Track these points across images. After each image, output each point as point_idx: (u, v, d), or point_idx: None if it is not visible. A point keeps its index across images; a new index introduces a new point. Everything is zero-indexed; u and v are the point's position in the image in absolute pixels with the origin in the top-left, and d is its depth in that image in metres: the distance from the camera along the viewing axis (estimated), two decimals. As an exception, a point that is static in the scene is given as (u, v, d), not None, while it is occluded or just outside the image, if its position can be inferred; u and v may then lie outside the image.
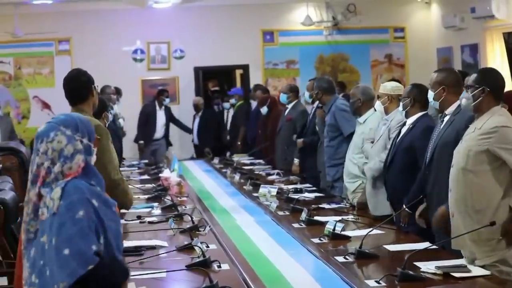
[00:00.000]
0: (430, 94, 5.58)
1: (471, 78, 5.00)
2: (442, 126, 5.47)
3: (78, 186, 3.26)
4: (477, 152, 4.74)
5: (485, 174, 4.73)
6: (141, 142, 14.10)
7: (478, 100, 4.84)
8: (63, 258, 3.15)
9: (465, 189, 4.79)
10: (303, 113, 10.20)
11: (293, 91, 10.56)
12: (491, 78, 4.94)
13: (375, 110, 6.98)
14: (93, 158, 3.44)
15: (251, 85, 14.55)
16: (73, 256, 3.14)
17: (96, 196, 3.28)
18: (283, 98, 10.66)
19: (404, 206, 5.74)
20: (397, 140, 6.12)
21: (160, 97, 14.20)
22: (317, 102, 9.31)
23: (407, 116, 6.11)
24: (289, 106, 10.44)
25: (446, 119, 5.48)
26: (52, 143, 3.31)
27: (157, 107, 14.15)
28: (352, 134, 7.95)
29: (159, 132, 14.15)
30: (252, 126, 12.77)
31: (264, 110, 11.51)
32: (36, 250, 3.27)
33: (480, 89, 4.84)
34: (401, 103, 6.17)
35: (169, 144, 14.43)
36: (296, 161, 9.82)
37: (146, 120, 14.15)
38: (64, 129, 3.33)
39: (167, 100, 14.16)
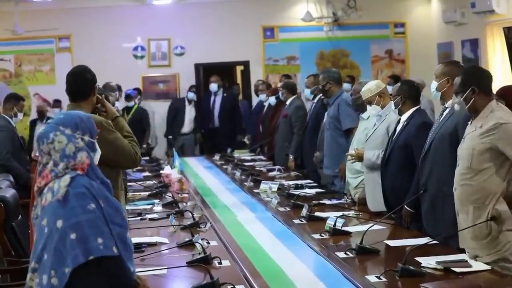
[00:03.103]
0: (434, 84, 5.56)
1: (456, 83, 4.97)
2: (441, 119, 5.46)
3: (88, 183, 3.27)
4: (481, 150, 4.74)
5: (488, 172, 4.74)
6: (170, 137, 14.30)
7: (471, 101, 4.82)
8: (69, 243, 3.17)
9: (470, 187, 4.79)
10: (298, 108, 10.21)
11: (287, 87, 10.56)
12: (477, 76, 4.93)
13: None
14: (97, 154, 3.45)
15: (252, 82, 14.55)
16: (78, 242, 3.17)
17: (103, 198, 3.29)
18: (280, 94, 10.70)
19: (403, 205, 5.72)
20: (393, 138, 6.12)
21: (187, 92, 14.31)
22: (317, 98, 9.31)
23: (400, 113, 6.11)
24: (287, 102, 10.45)
25: (446, 112, 5.48)
26: (52, 143, 3.32)
27: (186, 102, 14.23)
28: (349, 130, 7.97)
29: (186, 127, 14.22)
30: (254, 122, 12.76)
31: (271, 100, 11.40)
32: (36, 234, 3.29)
33: (469, 90, 4.82)
34: (392, 102, 6.17)
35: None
36: (291, 157, 9.84)
37: (174, 115, 14.25)
38: (63, 128, 3.34)
39: (190, 94, 14.22)
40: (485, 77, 4.98)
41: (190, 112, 14.30)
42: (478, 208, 4.75)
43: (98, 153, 3.47)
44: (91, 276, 3.19)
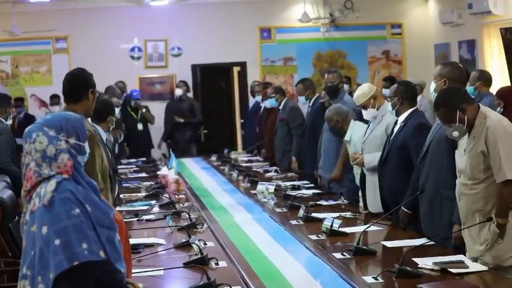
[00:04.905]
0: (432, 86, 5.55)
1: (439, 114, 4.91)
2: (439, 121, 5.44)
3: (74, 187, 3.24)
4: (479, 160, 4.72)
5: (491, 178, 4.72)
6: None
7: (466, 120, 4.78)
8: (53, 249, 3.14)
9: (475, 196, 4.77)
10: (293, 109, 10.24)
11: (278, 91, 10.61)
12: (455, 95, 4.88)
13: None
14: (86, 157, 3.41)
15: (249, 83, 14.53)
16: (62, 247, 3.13)
17: (90, 201, 3.25)
18: (272, 102, 10.66)
19: (401, 206, 5.71)
20: (390, 139, 6.11)
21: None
22: (313, 100, 9.34)
23: (398, 114, 6.10)
24: (281, 106, 10.47)
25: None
26: (34, 143, 3.27)
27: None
28: None
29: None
30: (251, 123, 12.75)
31: (267, 103, 11.36)
32: (27, 240, 3.26)
33: (459, 111, 4.77)
34: (389, 103, 6.16)
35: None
36: (293, 158, 9.85)
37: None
38: (47, 129, 3.29)
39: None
40: (459, 90, 4.99)
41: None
42: (484, 214, 4.73)
43: (87, 156, 3.42)
44: (77, 281, 3.16)
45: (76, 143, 3.32)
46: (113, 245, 3.27)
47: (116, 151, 9.10)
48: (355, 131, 7.11)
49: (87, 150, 3.40)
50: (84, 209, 3.21)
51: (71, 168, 3.27)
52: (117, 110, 11.76)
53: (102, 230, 3.24)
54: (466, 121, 4.77)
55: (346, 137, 7.19)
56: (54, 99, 13.66)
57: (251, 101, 13.32)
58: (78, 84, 4.98)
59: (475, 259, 4.69)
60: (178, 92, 13.98)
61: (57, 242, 3.14)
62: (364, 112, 6.70)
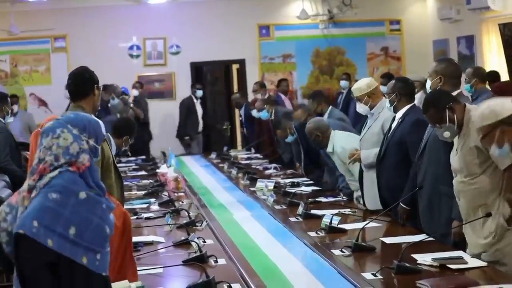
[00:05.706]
0: (428, 83, 5.55)
1: (428, 116, 4.90)
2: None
3: (71, 178, 3.26)
4: (472, 156, 4.72)
5: (488, 172, 4.70)
6: (187, 137, 14.14)
7: (456, 119, 4.76)
8: None
9: (474, 191, 4.74)
10: (286, 114, 10.23)
11: (268, 102, 10.62)
12: (442, 96, 4.89)
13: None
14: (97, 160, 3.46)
15: (248, 80, 14.54)
16: (21, 216, 3.22)
17: (86, 193, 3.27)
18: (264, 115, 10.66)
19: (399, 202, 5.71)
20: (388, 135, 6.11)
21: (192, 89, 14.25)
22: (294, 130, 9.37)
23: (395, 110, 6.09)
24: (272, 116, 10.49)
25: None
26: (58, 139, 3.31)
27: (195, 100, 14.18)
28: None
29: (201, 126, 14.25)
30: (249, 121, 12.77)
31: (257, 115, 11.35)
32: None
33: (449, 110, 4.76)
34: (384, 99, 6.15)
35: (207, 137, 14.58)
36: (297, 164, 9.84)
37: (186, 115, 14.16)
38: (71, 127, 3.34)
39: (199, 92, 14.16)
40: (448, 91, 4.98)
41: (200, 110, 14.29)
42: (487, 208, 4.72)
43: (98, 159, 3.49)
44: (21, 251, 3.20)
45: (94, 146, 3.37)
46: (100, 234, 3.27)
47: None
48: (336, 141, 7.09)
49: (99, 153, 3.45)
50: (68, 199, 3.21)
51: (86, 168, 3.30)
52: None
53: (92, 218, 3.25)
54: (455, 120, 4.77)
55: (328, 149, 7.18)
56: (13, 98, 13.64)
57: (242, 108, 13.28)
58: (82, 82, 5.10)
59: (477, 254, 4.68)
60: (135, 93, 14.01)
61: (24, 213, 3.22)
62: (358, 104, 6.68)
